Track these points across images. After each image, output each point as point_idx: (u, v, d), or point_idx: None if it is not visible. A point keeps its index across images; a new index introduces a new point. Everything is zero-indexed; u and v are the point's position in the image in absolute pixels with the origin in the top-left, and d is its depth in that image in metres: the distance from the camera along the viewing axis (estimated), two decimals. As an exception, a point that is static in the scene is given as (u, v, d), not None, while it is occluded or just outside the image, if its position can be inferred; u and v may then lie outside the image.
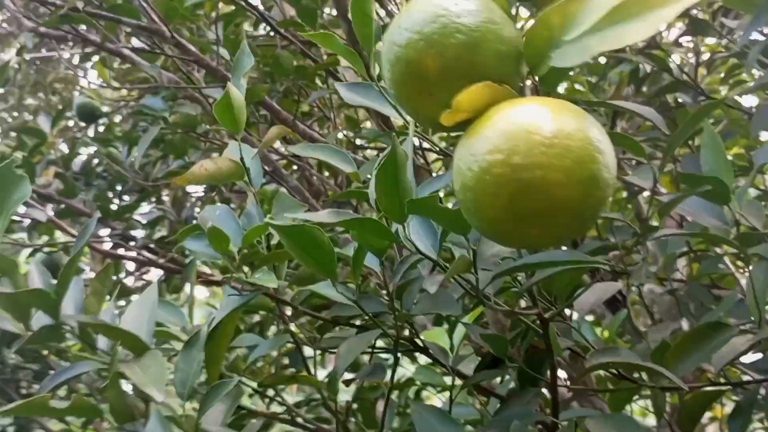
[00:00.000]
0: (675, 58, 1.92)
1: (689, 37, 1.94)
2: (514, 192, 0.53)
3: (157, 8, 1.57)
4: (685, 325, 1.39)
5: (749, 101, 2.37)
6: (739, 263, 1.46)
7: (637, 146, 0.89)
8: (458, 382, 1.09)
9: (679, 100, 1.88)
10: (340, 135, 1.98)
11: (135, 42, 1.97)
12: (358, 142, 1.96)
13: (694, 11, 1.77)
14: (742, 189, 1.07)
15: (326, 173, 1.99)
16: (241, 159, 1.00)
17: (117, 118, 2.71)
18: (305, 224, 0.80)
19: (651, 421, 1.95)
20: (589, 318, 1.86)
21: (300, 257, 0.84)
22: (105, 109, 2.38)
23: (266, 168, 1.64)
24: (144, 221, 2.33)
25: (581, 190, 0.54)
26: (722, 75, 2.40)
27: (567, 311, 1.08)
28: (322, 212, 0.78)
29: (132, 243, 2.23)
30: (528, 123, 0.54)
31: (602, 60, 1.84)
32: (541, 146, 0.53)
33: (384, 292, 0.94)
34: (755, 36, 1.44)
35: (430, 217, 0.78)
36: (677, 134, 0.90)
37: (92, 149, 2.40)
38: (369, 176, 0.97)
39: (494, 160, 0.54)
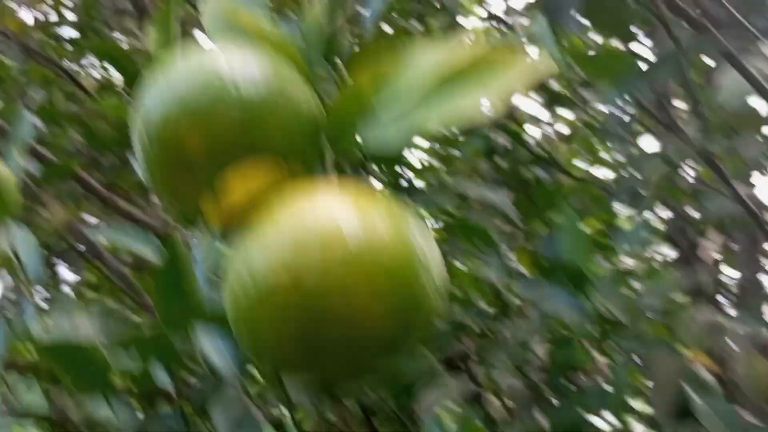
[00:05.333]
0: (534, 132, 1.86)
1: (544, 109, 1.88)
2: (305, 325, 0.38)
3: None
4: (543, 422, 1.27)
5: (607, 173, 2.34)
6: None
7: (487, 237, 0.76)
8: None
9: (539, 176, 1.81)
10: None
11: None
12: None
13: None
14: (605, 278, 0.97)
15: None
16: (15, 253, 0.81)
17: None
18: (71, 342, 0.62)
19: None
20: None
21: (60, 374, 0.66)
22: None
23: (78, 247, 1.44)
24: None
25: (398, 321, 0.38)
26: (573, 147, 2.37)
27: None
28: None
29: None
30: (324, 228, 0.38)
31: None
32: (341, 264, 0.38)
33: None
34: (611, 109, 1.37)
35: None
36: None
37: None
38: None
39: (278, 285, 0.38)
